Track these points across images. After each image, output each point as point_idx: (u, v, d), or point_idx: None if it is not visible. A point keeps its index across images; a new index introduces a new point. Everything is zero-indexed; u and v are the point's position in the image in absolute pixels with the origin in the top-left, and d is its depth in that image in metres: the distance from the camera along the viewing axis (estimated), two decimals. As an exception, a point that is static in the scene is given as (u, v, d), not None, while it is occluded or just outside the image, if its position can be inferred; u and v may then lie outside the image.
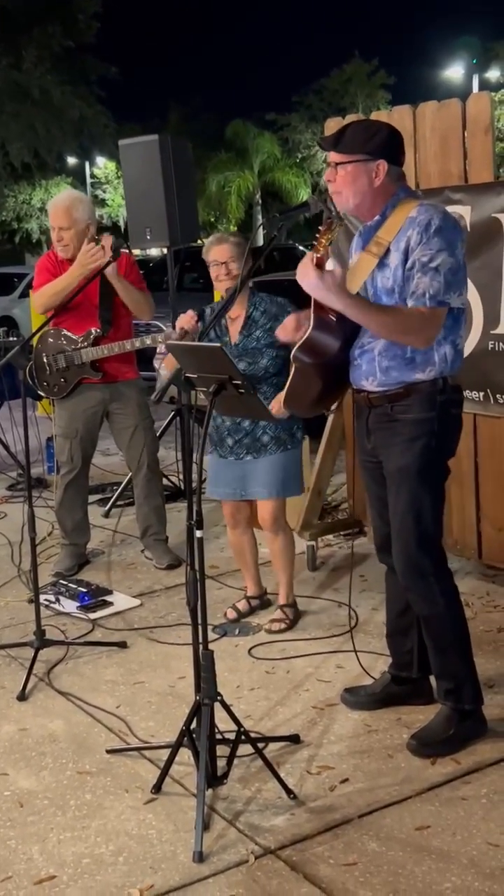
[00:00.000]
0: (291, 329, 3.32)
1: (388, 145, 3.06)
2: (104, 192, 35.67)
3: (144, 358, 6.15)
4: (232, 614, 4.39)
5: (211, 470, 4.29)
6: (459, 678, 3.23)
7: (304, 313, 3.27)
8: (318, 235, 2.97)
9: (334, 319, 3.09)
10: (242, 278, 3.48)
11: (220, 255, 4.04)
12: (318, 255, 2.95)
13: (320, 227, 2.99)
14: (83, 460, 5.09)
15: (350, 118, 4.91)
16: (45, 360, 4.96)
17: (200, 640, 3.01)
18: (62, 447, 5.07)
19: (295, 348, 3.14)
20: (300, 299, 3.36)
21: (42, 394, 5.10)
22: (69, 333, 4.92)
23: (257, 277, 8.10)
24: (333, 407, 4.97)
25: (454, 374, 3.13)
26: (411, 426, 3.10)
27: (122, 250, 4.86)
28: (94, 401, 5.00)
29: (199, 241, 7.68)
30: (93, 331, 4.88)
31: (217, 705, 3.00)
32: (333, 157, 3.06)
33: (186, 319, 4.03)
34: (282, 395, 3.45)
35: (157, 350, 7.72)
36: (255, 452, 4.12)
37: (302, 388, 3.24)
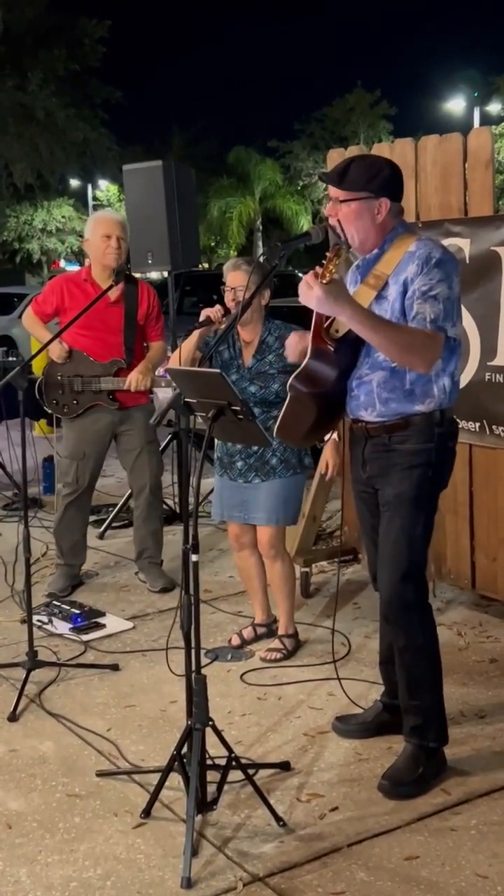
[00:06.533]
0: (296, 341, 3.28)
1: (390, 183, 3.09)
2: (106, 214, 35.81)
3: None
4: (236, 641, 4.36)
5: (217, 492, 4.28)
6: (427, 715, 3.21)
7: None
8: (324, 262, 2.96)
9: (332, 349, 3.10)
10: (244, 304, 3.51)
11: (233, 281, 4.05)
12: (324, 282, 2.94)
13: (327, 253, 2.99)
14: (89, 481, 5.09)
15: (352, 149, 4.97)
16: (59, 378, 4.98)
17: (193, 664, 3.00)
18: (67, 468, 5.06)
19: (292, 378, 3.15)
20: (305, 326, 3.36)
21: (49, 410, 5.11)
22: (92, 358, 4.95)
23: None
24: (327, 438, 4.96)
25: (451, 406, 3.15)
26: (410, 455, 3.11)
27: (136, 275, 4.92)
28: (104, 423, 5.02)
29: (200, 266, 7.74)
30: (117, 362, 4.93)
31: (208, 730, 2.99)
32: (336, 193, 3.08)
33: (213, 310, 4.00)
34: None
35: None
36: (264, 475, 4.11)
37: (296, 417, 3.21)
